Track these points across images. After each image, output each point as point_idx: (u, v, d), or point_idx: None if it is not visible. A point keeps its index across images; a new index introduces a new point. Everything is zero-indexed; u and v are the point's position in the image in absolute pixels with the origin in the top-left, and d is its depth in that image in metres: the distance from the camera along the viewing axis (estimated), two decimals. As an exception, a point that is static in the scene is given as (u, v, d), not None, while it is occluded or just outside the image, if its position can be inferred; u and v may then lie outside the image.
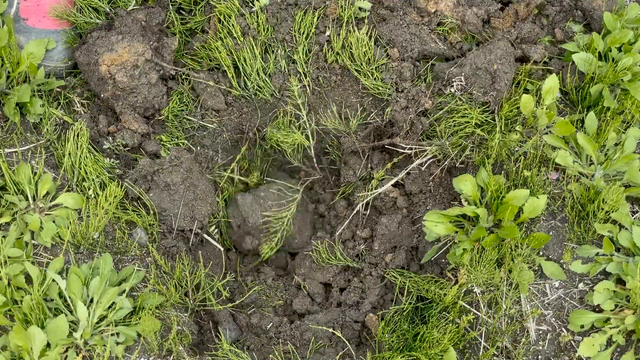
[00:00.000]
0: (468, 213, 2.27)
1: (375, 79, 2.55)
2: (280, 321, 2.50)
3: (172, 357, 2.19)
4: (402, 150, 2.51)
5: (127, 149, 2.52)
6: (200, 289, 2.38)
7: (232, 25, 2.58)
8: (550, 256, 2.29)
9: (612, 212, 2.24)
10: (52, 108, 2.49)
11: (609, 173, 2.33)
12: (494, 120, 2.45)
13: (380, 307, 2.49)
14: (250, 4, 2.63)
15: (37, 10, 2.53)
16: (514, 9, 2.58)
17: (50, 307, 2.12)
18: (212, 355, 2.28)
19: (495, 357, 2.22)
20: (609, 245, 2.22)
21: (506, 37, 2.53)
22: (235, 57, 2.58)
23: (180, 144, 2.58)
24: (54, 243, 2.26)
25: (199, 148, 2.63)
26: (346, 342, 2.38)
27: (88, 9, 2.57)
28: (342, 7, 2.58)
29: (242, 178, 2.65)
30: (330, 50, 2.58)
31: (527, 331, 2.22)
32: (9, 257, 2.16)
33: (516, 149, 2.39)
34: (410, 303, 2.38)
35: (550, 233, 2.31)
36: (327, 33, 2.59)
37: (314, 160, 2.67)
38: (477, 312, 2.26)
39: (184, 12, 2.73)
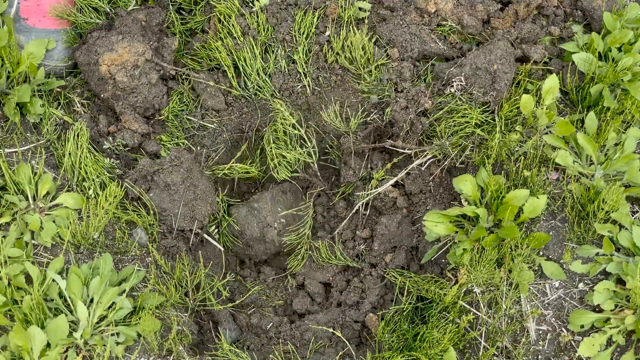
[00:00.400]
0: (468, 213, 2.26)
1: (374, 80, 2.56)
2: (280, 321, 2.50)
3: (172, 357, 2.19)
4: (402, 151, 2.51)
5: (127, 149, 2.52)
6: (200, 289, 2.38)
7: (232, 25, 2.58)
8: (550, 256, 2.29)
9: (612, 212, 2.24)
10: (52, 108, 2.49)
11: (609, 173, 2.33)
12: (494, 120, 2.45)
13: (380, 307, 2.49)
14: (250, 4, 2.63)
15: (37, 10, 2.53)
16: (513, 9, 2.58)
17: (50, 307, 2.12)
18: (212, 355, 2.28)
19: (495, 357, 2.22)
20: (609, 245, 2.22)
21: (506, 37, 2.53)
22: (235, 57, 2.58)
23: (181, 144, 2.58)
24: (54, 243, 2.26)
25: (199, 148, 2.63)
26: (346, 342, 2.38)
27: (88, 8, 2.57)
28: (342, 7, 2.57)
29: (245, 167, 2.62)
30: (330, 51, 2.58)
31: (527, 331, 2.22)
32: (9, 257, 2.16)
33: (516, 149, 2.39)
34: (410, 303, 2.38)
35: (550, 233, 2.31)
36: (327, 33, 2.59)
37: (318, 174, 2.67)
38: (477, 312, 2.26)
39: (184, 12, 2.73)
